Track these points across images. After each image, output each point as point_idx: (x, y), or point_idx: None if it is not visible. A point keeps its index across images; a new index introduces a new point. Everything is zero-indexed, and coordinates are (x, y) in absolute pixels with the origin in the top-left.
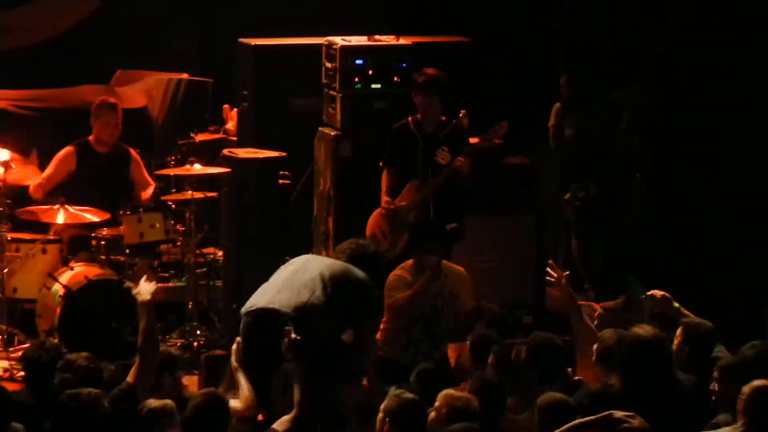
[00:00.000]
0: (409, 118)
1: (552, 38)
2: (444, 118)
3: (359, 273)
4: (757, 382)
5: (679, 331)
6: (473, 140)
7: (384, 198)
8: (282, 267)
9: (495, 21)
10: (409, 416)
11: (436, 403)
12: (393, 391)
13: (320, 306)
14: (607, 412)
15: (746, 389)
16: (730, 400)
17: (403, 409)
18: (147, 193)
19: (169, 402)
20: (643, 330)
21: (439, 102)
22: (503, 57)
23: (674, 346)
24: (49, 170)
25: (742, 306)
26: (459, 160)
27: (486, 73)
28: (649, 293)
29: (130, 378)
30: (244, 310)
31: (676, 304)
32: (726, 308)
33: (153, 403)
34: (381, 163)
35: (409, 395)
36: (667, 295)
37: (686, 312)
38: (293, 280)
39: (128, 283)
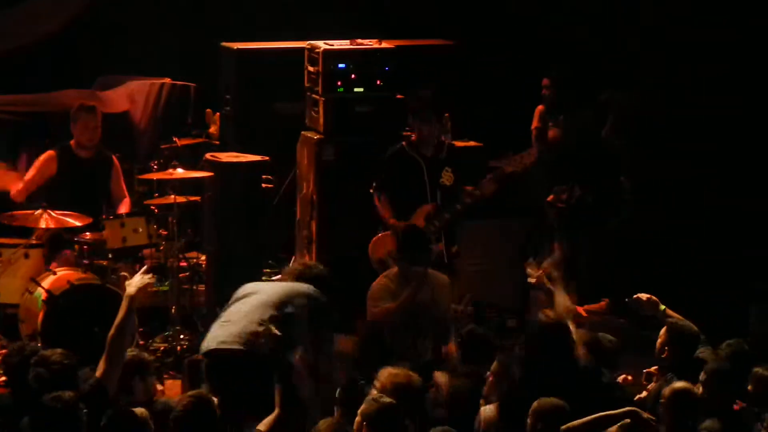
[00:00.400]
0: (403, 143)
1: (538, 39)
2: (437, 141)
3: (304, 288)
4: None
5: (662, 331)
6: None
7: (393, 222)
8: (233, 297)
9: (481, 23)
10: (386, 420)
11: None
12: (371, 395)
13: (268, 333)
14: (632, 408)
15: (666, 391)
16: (716, 405)
17: (380, 414)
18: (122, 209)
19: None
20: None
21: (437, 125)
22: (488, 59)
23: (657, 346)
24: (30, 174)
25: (730, 304)
26: (487, 186)
27: (471, 76)
28: (635, 296)
29: (97, 373)
30: (202, 349)
31: (663, 306)
32: (715, 307)
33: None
34: (372, 190)
35: (386, 399)
36: (653, 297)
37: (672, 314)
38: (240, 311)
39: (123, 273)
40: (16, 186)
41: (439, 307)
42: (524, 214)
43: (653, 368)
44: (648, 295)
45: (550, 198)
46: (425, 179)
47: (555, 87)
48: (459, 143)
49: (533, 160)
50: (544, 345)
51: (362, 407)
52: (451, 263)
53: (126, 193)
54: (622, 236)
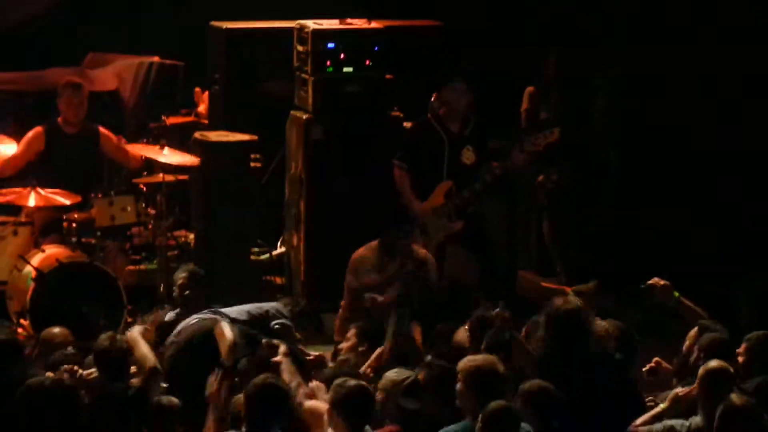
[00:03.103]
0: (429, 116)
1: (529, 21)
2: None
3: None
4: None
5: (692, 334)
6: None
7: (413, 201)
8: None
9: (470, 4)
10: (356, 403)
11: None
12: (337, 380)
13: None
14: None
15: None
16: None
17: (349, 397)
18: (134, 163)
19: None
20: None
21: (465, 99)
22: (477, 40)
23: (684, 347)
24: (18, 149)
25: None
26: (519, 158)
27: (459, 56)
28: (649, 282)
29: None
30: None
31: (677, 294)
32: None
33: None
34: (395, 161)
35: (353, 382)
36: (668, 284)
37: (686, 302)
38: None
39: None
40: (1, 159)
41: (422, 282)
42: (511, 193)
43: (653, 362)
44: (663, 281)
45: (540, 178)
46: (445, 155)
47: (556, 67)
48: None
49: (555, 139)
50: (563, 332)
51: (330, 395)
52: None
53: (127, 149)
54: (611, 217)
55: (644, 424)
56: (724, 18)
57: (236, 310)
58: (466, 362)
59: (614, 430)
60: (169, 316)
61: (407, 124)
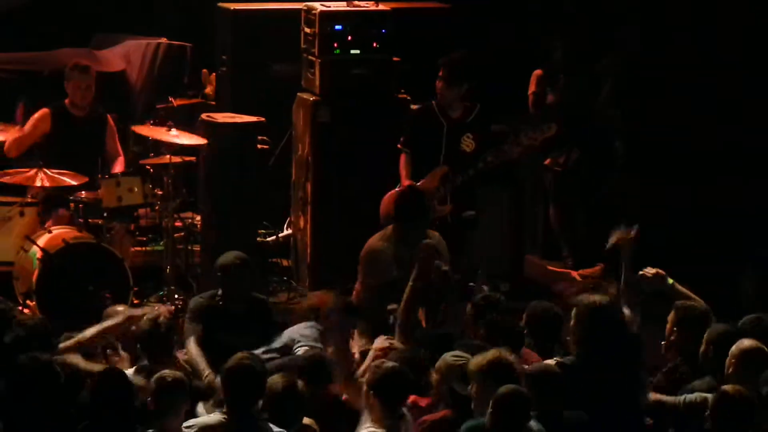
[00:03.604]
0: (432, 102)
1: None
2: (468, 104)
3: None
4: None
5: (671, 315)
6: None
7: (405, 182)
8: None
9: None
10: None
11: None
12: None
13: None
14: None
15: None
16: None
17: (385, 378)
18: (116, 169)
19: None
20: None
21: (464, 89)
22: (484, 23)
23: (666, 330)
24: (25, 130)
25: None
26: (514, 151)
27: (465, 39)
28: (642, 271)
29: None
30: None
31: (671, 281)
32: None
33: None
34: (399, 146)
35: (390, 364)
36: (661, 272)
37: (681, 288)
38: None
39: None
40: (9, 138)
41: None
42: (517, 177)
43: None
44: (655, 270)
45: (546, 162)
46: (442, 141)
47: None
48: None
49: (552, 134)
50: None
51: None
52: (460, 226)
53: (120, 152)
54: (617, 201)
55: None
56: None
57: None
58: (477, 361)
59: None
60: (204, 300)
61: (413, 107)
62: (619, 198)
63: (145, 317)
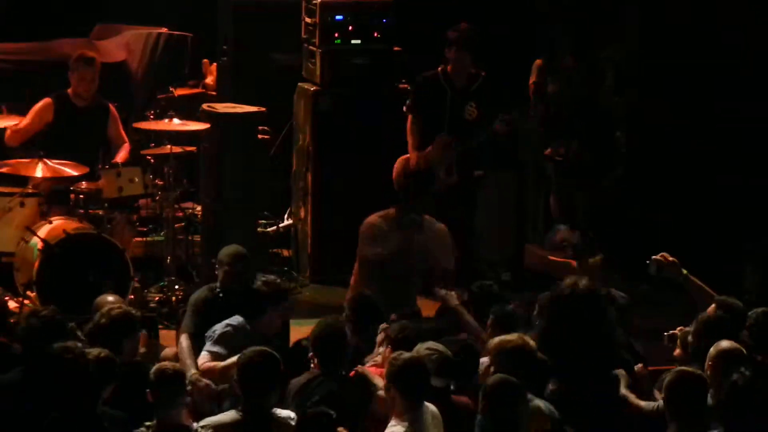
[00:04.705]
0: (439, 69)
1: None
2: (473, 71)
3: None
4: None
5: (711, 309)
6: None
7: (412, 152)
8: None
9: None
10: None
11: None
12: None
13: None
14: None
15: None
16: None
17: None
18: (121, 156)
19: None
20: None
21: (471, 58)
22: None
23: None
24: (26, 119)
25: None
26: (499, 127)
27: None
28: (655, 257)
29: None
30: None
31: (685, 271)
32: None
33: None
34: (405, 109)
35: (407, 355)
36: (676, 260)
37: (695, 280)
38: None
39: None
40: (10, 127)
41: (431, 256)
42: (518, 166)
43: (677, 330)
44: (671, 258)
45: (548, 152)
46: (446, 109)
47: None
48: None
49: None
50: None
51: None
52: (469, 190)
53: (126, 138)
54: (618, 191)
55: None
56: None
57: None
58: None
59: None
60: (203, 293)
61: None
62: (621, 188)
63: None
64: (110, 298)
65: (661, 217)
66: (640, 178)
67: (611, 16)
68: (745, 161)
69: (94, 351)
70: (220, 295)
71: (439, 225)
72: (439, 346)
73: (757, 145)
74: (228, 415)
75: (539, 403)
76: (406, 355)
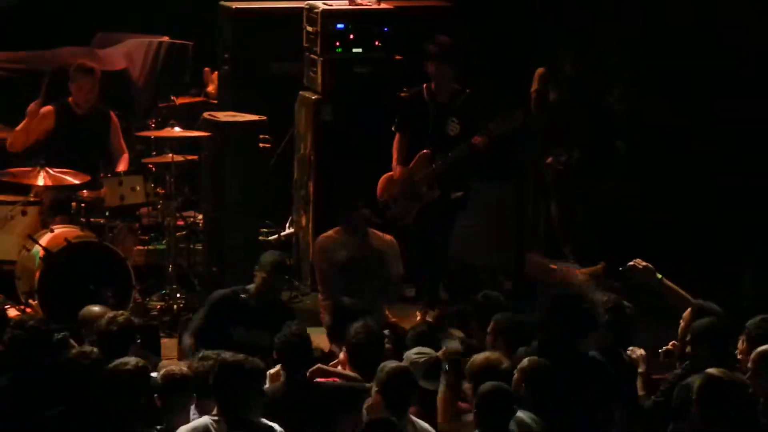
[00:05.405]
0: (424, 86)
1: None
2: (458, 87)
3: None
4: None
5: (687, 314)
6: None
7: (396, 167)
8: None
9: None
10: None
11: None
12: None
13: None
14: None
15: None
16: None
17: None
18: (121, 166)
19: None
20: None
21: (452, 72)
22: (484, 20)
23: (680, 331)
24: (26, 125)
25: (725, 268)
26: (477, 140)
27: (467, 37)
28: (630, 263)
29: None
30: None
31: (659, 275)
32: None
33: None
34: (393, 128)
35: (393, 364)
36: (649, 265)
37: (669, 283)
38: None
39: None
40: (11, 134)
41: (387, 265)
42: (519, 175)
43: (670, 345)
44: (644, 263)
45: (548, 160)
46: (429, 125)
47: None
48: None
49: (517, 124)
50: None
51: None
52: (453, 209)
53: (125, 149)
54: (619, 199)
55: None
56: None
57: None
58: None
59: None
60: (224, 292)
61: (404, 92)
62: (622, 196)
63: None
64: (96, 308)
65: (661, 217)
66: (640, 178)
67: (613, 16)
68: (745, 161)
69: (131, 360)
70: (242, 296)
71: (388, 236)
72: (427, 349)
73: (757, 145)
74: (200, 421)
75: (522, 415)
76: (393, 363)
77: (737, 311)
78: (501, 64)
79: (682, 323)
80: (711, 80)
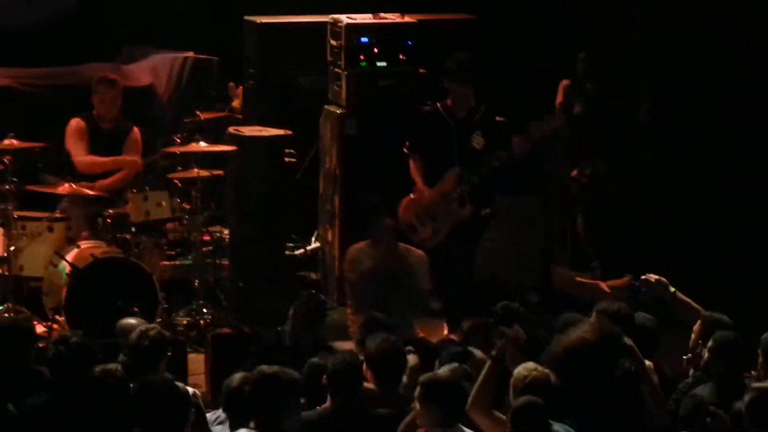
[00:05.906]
0: (438, 104)
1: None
2: (473, 104)
3: None
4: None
5: (697, 326)
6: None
7: (423, 188)
8: None
9: None
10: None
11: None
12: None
13: None
14: None
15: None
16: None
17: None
18: (110, 180)
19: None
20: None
21: (472, 88)
22: (505, 33)
23: (691, 342)
24: (81, 143)
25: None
26: (520, 145)
27: (490, 50)
28: (643, 277)
29: None
30: None
31: (672, 289)
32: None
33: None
34: (406, 149)
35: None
36: (662, 279)
37: (682, 296)
38: None
39: None
40: (80, 158)
41: (416, 279)
42: (544, 188)
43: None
44: (657, 276)
45: (574, 173)
46: (453, 142)
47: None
48: None
49: (559, 124)
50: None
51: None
52: (481, 226)
53: (138, 164)
54: (645, 213)
55: None
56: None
57: None
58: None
59: None
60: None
61: (420, 110)
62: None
63: None
64: (132, 320)
65: (661, 217)
66: (640, 178)
67: (615, 17)
68: (745, 161)
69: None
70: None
71: (418, 251)
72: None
73: (757, 145)
74: None
75: (557, 428)
76: (380, 337)
77: (737, 311)
78: (508, 67)
79: (693, 335)
80: (711, 80)
